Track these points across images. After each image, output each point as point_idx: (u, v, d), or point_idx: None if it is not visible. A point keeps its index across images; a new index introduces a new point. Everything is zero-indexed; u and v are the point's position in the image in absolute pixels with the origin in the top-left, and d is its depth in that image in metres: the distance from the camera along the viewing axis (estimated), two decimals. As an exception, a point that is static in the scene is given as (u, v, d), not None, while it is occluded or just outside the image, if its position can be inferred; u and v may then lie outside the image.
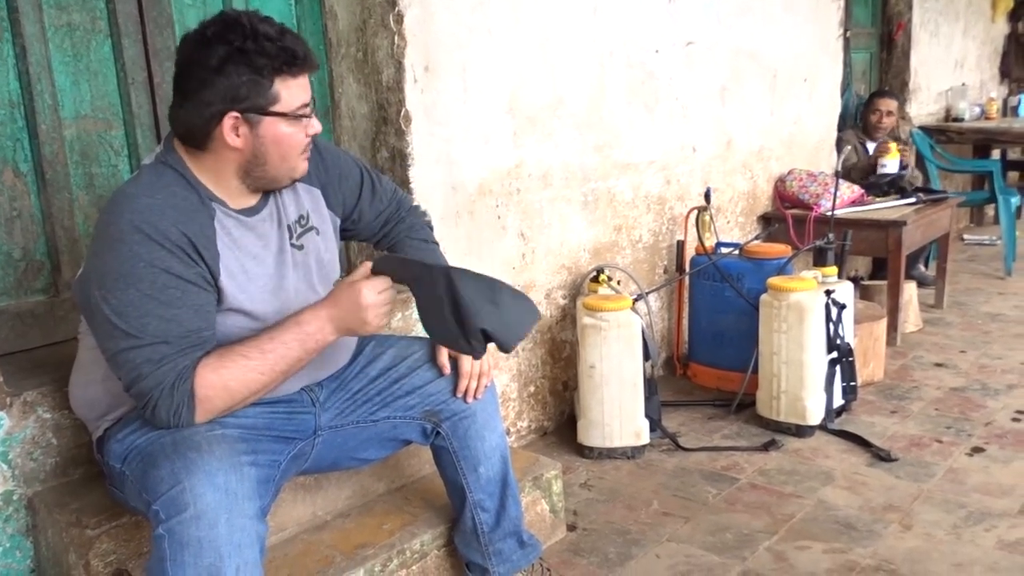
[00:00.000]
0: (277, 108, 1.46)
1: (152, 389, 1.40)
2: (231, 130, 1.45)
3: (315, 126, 1.55)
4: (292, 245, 1.64)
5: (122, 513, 1.65)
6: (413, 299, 1.55)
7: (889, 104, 4.49)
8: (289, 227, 1.64)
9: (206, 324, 1.46)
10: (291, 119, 1.49)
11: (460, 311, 1.44)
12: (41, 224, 1.99)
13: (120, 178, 2.08)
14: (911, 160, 4.51)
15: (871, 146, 4.47)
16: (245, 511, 1.37)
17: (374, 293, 1.53)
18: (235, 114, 1.44)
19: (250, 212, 1.58)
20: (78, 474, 1.80)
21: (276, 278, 1.60)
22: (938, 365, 3.49)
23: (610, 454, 2.73)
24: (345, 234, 1.84)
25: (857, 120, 4.68)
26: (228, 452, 1.40)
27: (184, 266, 1.43)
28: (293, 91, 1.47)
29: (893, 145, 4.25)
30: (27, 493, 1.74)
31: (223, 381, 1.44)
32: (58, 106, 1.96)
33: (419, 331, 2.34)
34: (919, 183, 4.39)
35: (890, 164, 4.21)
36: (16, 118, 1.92)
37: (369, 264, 1.57)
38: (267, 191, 1.60)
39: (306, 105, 1.51)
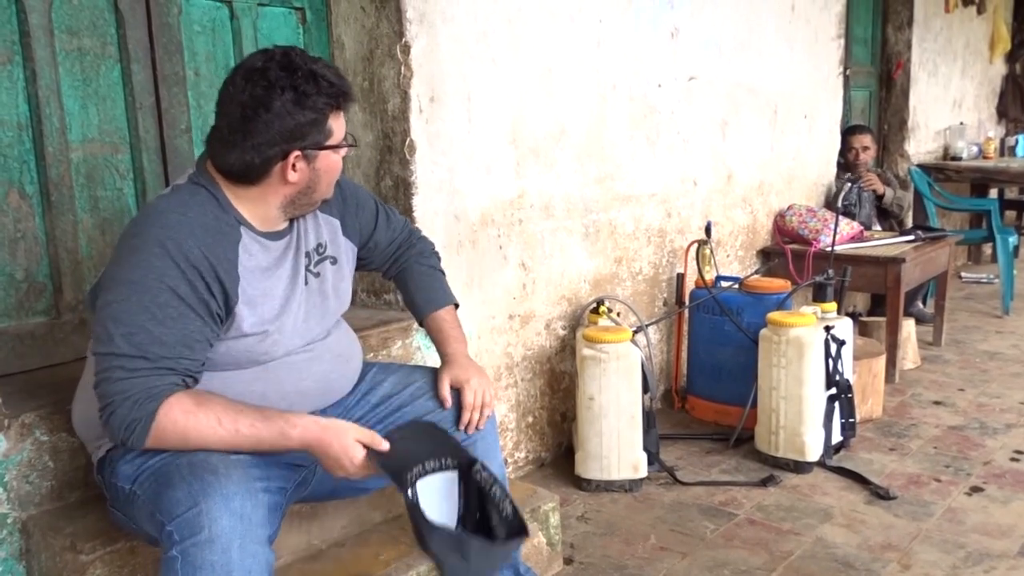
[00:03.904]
0: (331, 141, 1.55)
1: (115, 395, 1.41)
2: (291, 167, 1.52)
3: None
4: (309, 271, 1.68)
5: (117, 538, 1.64)
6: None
7: (862, 140, 4.48)
8: (308, 254, 1.68)
9: (190, 353, 1.46)
10: (339, 148, 1.58)
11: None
12: (44, 246, 1.99)
13: (125, 201, 2.09)
14: (906, 199, 4.54)
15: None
16: (257, 537, 1.37)
17: (357, 467, 1.51)
18: (297, 152, 1.51)
19: (275, 236, 1.62)
20: (74, 497, 1.78)
21: (291, 302, 1.62)
22: (937, 403, 3.49)
23: (608, 487, 2.72)
24: (359, 263, 1.88)
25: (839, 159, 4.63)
26: (244, 477, 1.41)
27: (191, 290, 1.45)
28: (340, 123, 1.58)
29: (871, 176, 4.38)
30: (22, 516, 1.72)
31: (185, 428, 1.43)
32: (66, 129, 1.97)
33: (418, 360, 2.35)
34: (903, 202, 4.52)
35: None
36: (24, 140, 1.93)
37: (366, 452, 1.52)
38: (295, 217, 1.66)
39: (348, 133, 1.61)
